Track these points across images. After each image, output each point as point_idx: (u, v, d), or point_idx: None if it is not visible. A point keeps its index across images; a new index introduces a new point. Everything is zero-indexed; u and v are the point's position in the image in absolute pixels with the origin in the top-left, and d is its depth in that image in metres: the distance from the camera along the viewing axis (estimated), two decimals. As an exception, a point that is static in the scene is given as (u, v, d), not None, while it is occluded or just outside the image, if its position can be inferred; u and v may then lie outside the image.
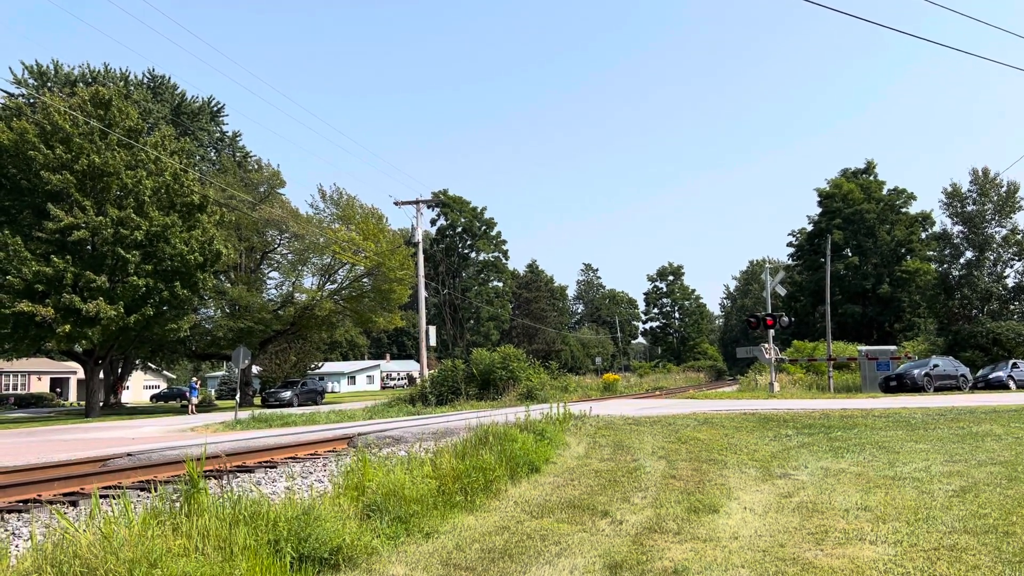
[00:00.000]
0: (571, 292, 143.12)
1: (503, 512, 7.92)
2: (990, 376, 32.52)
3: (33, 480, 9.84)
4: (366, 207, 50.33)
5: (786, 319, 34.28)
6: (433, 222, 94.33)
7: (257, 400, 50.47)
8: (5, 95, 45.74)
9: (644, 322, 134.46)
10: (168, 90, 59.00)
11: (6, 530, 7.32)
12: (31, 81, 50.98)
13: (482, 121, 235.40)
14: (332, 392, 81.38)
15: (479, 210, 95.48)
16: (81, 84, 47.33)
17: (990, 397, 24.60)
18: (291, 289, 51.77)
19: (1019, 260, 48.56)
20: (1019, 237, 47.79)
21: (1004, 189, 48.21)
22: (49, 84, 50.42)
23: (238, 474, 10.81)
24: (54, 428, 27.77)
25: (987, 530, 6.46)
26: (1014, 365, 33.03)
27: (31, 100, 45.82)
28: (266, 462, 12.28)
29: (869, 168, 75.20)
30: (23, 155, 34.68)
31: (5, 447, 18.33)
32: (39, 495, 9.29)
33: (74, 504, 8.85)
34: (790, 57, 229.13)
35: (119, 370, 53.66)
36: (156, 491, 6.51)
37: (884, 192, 72.51)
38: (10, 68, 72.23)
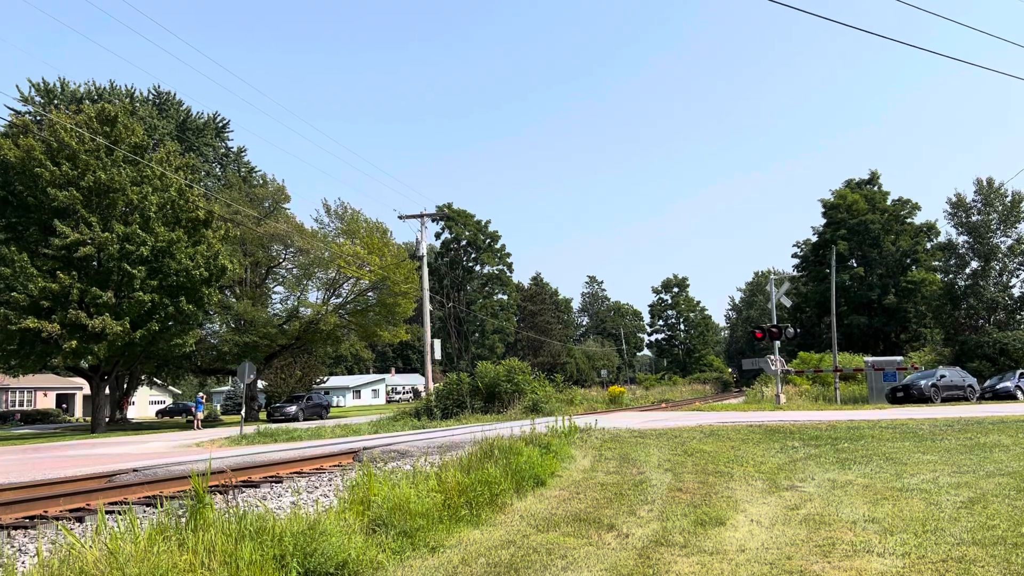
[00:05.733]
0: (576, 304, 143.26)
1: (509, 526, 7.90)
2: (997, 386, 32.38)
3: (39, 496, 9.84)
4: (371, 221, 50.51)
5: (792, 330, 34.19)
6: (438, 236, 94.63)
7: (263, 415, 50.46)
8: (12, 113, 46.16)
9: (649, 334, 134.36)
10: (173, 106, 59.36)
11: (13, 547, 7.31)
12: (38, 99, 51.35)
13: (486, 135, 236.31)
14: (337, 406, 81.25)
15: (483, 223, 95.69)
16: (87, 101, 47.69)
17: (997, 407, 24.48)
18: (296, 304, 51.86)
19: (1025, 270, 48.47)
20: (1024, 247, 47.72)
21: (1009, 199, 48.16)
22: (56, 101, 50.78)
23: (244, 489, 10.80)
24: (60, 444, 27.78)
25: (996, 541, 6.42)
26: (1021, 375, 32.89)
27: (38, 117, 46.14)
28: (272, 477, 12.27)
29: (873, 179, 75.18)
30: (30, 172, 34.87)
31: (11, 463, 18.35)
32: (45, 511, 9.29)
33: (80, 520, 8.85)
34: (793, 69, 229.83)
35: (125, 386, 53.69)
36: (162, 506, 6.51)
37: (888, 203, 72.47)
38: (17, 86, 72.88)
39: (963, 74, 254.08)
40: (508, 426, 18.38)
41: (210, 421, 49.16)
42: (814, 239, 75.82)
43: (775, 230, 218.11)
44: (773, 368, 35.34)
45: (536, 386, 36.20)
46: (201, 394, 49.25)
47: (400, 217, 42.22)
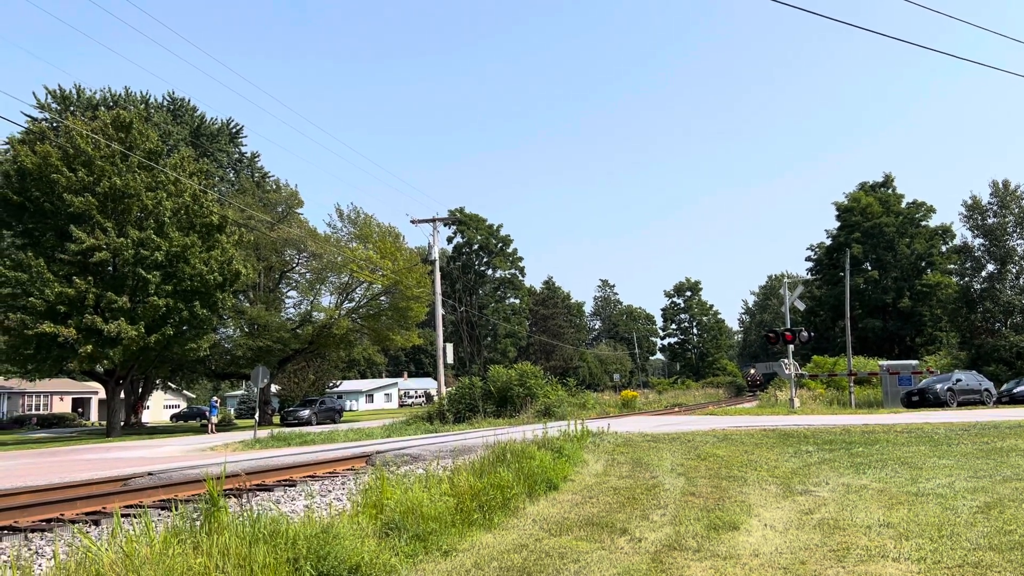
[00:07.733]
0: (588, 308, 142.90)
1: (521, 530, 7.89)
2: (1015, 390, 32.09)
3: (55, 500, 9.91)
4: (383, 226, 50.69)
5: (806, 334, 34.00)
6: (450, 240, 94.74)
7: (276, 419, 50.68)
8: (29, 119, 46.61)
9: (662, 338, 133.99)
10: (187, 112, 59.81)
11: (30, 549, 7.38)
12: (54, 105, 51.86)
13: (500, 141, 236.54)
14: (350, 410, 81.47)
15: (495, 227, 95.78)
16: (103, 108, 48.10)
17: (1015, 412, 24.26)
18: (309, 308, 52.10)
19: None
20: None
21: (1025, 201, 47.74)
22: (72, 108, 51.28)
23: (257, 492, 10.85)
24: (76, 448, 28.00)
25: (1013, 547, 6.36)
26: (1039, 379, 32.61)
27: (54, 124, 46.59)
28: (285, 480, 12.32)
29: (887, 182, 74.80)
30: (46, 178, 35.22)
31: (28, 467, 18.51)
32: (62, 514, 9.37)
33: (96, 523, 8.91)
34: (808, 73, 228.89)
35: (139, 390, 54.04)
36: (177, 510, 6.55)
37: (903, 205, 72.09)
38: (33, 93, 73.52)
39: (978, 77, 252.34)
40: (520, 430, 18.37)
41: (224, 425, 49.39)
42: (828, 242, 75.50)
43: (789, 234, 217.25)
44: (787, 372, 35.19)
45: (548, 390, 36.22)
46: (215, 398, 49.52)
47: (412, 222, 42.27)
